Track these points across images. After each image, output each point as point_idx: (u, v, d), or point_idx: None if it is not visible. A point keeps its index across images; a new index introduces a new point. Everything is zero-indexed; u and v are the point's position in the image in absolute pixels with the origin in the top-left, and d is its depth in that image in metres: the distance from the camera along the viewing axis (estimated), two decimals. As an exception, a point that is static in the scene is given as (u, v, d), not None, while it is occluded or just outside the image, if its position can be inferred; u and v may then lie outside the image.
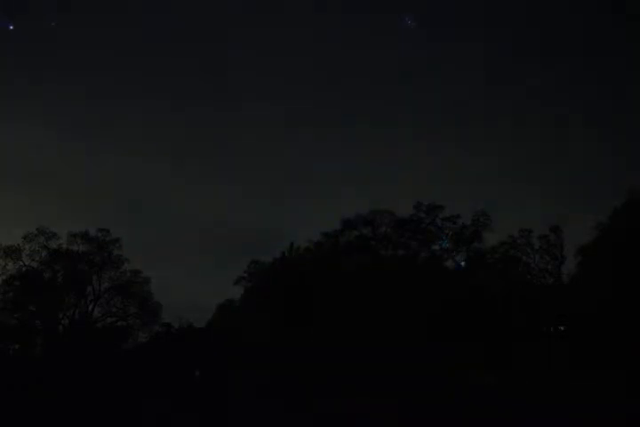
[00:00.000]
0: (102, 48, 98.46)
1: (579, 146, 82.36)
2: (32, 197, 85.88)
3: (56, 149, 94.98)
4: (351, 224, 49.52)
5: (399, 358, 37.15)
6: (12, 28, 59.99)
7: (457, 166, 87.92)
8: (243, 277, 51.83)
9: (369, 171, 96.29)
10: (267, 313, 46.11)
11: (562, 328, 43.95)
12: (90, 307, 48.92)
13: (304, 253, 51.43)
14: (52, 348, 46.42)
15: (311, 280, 46.12)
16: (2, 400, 31.75)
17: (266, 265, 52.50)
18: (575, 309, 40.27)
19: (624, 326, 34.84)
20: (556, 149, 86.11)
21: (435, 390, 28.98)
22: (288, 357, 39.54)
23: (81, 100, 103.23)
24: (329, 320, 42.45)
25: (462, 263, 48.14)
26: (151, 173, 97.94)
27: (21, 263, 48.60)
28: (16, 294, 47.78)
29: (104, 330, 49.39)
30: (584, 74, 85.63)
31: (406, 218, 48.95)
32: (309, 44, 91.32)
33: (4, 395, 33.25)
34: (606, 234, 40.16)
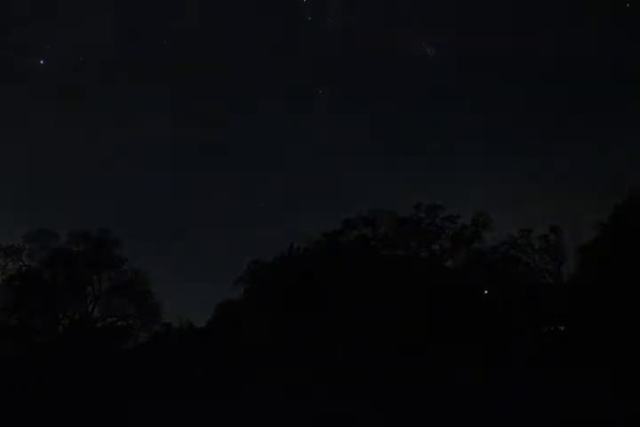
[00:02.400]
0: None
1: (578, 145, 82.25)
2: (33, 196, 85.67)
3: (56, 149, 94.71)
4: (351, 224, 49.60)
5: (399, 358, 37.17)
6: (42, 62, 61.89)
7: (457, 166, 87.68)
8: (243, 277, 51.80)
9: (369, 170, 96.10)
10: (267, 313, 46.13)
11: (562, 328, 44.02)
12: (90, 307, 48.94)
13: (304, 254, 51.43)
14: (52, 348, 46.40)
15: (311, 280, 46.14)
16: (2, 401, 31.77)
17: (266, 265, 52.46)
18: (575, 309, 40.31)
19: (625, 325, 34.86)
20: (556, 148, 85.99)
21: (434, 390, 28.99)
22: (288, 357, 39.56)
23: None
24: (329, 320, 42.48)
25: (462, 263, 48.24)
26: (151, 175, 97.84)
27: (21, 263, 48.64)
28: (16, 294, 47.77)
29: (104, 330, 49.37)
30: (582, 73, 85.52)
31: (406, 218, 49.06)
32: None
33: (4, 395, 33.27)
34: (606, 234, 40.22)
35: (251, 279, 51.93)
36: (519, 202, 70.05)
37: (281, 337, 43.35)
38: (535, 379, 30.63)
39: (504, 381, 30.71)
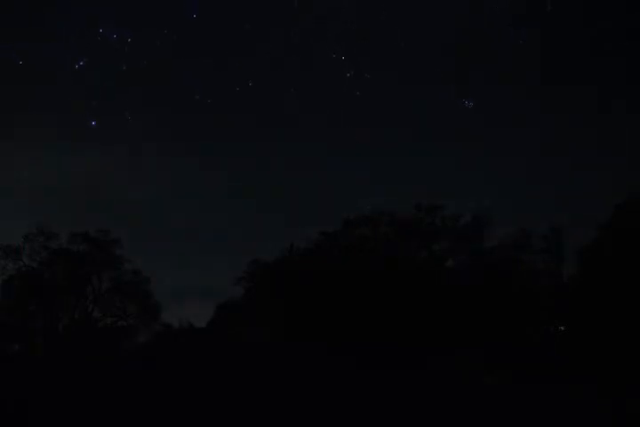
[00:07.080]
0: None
1: (578, 145, 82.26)
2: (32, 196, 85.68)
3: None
4: (351, 224, 49.57)
5: (399, 359, 37.19)
6: (94, 123, 66.11)
7: (457, 166, 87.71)
8: (243, 278, 51.76)
9: (370, 170, 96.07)
10: (267, 313, 46.14)
11: (562, 328, 44.04)
12: (90, 307, 49.01)
13: (304, 253, 51.39)
14: (52, 348, 46.43)
15: (311, 281, 46.14)
16: (1, 401, 31.74)
17: (266, 265, 52.42)
18: (576, 309, 40.33)
19: (626, 325, 34.91)
20: (556, 148, 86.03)
21: (434, 391, 29.00)
22: (288, 357, 39.56)
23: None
24: (329, 321, 42.49)
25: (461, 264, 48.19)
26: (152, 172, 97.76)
27: (21, 263, 48.71)
28: (16, 294, 47.80)
29: (104, 330, 49.42)
30: (581, 74, 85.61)
31: (406, 218, 49.01)
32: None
33: (4, 395, 33.24)
34: (606, 234, 40.23)
35: (251, 279, 51.91)
36: (519, 202, 70.16)
37: (281, 338, 43.35)
38: (535, 380, 30.67)
39: (504, 382, 30.75)
